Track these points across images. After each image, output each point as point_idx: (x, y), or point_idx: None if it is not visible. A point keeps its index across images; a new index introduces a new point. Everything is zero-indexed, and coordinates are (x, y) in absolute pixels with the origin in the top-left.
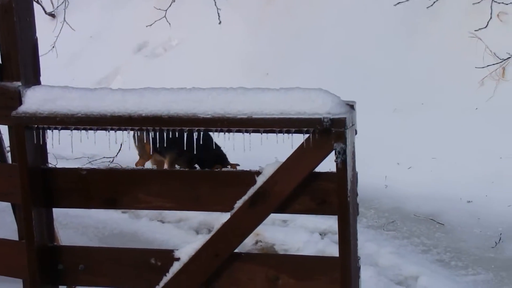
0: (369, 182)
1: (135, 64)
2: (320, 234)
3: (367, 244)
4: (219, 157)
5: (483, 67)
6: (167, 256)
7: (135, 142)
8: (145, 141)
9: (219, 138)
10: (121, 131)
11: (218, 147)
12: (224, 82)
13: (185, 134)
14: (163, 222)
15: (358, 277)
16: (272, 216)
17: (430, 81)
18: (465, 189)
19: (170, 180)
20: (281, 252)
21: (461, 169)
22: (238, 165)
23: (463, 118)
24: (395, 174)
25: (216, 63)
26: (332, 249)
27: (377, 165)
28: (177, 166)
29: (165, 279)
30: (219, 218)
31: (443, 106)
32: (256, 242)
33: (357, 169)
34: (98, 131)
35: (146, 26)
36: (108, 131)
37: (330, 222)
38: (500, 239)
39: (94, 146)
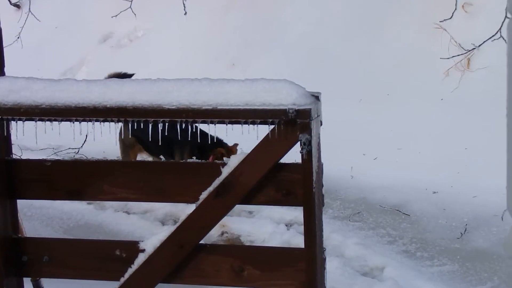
0: (335, 173)
1: (100, 55)
2: (286, 225)
3: (333, 235)
4: (218, 142)
5: (448, 58)
6: (132, 248)
7: (121, 145)
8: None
9: (183, 128)
10: (85, 122)
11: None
12: (189, 72)
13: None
14: (128, 213)
15: (324, 268)
16: (238, 207)
17: (396, 72)
18: (431, 179)
19: (135, 171)
20: (247, 243)
21: (427, 160)
22: (237, 144)
23: (428, 109)
24: (361, 165)
25: (182, 53)
26: (298, 240)
27: (343, 156)
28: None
29: (130, 271)
30: (185, 210)
31: (409, 97)
32: (222, 234)
33: (322, 160)
34: (62, 122)
35: (112, 17)
36: (73, 122)
37: (296, 213)
38: (465, 230)
39: (60, 137)
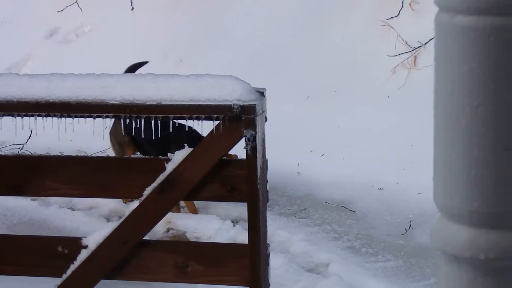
0: (282, 170)
1: (46, 51)
2: (232, 222)
3: (279, 231)
4: None
5: (395, 56)
6: (75, 244)
7: (114, 146)
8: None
9: (179, 129)
10: (28, 117)
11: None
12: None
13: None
14: (73, 209)
15: (268, 264)
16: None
17: (343, 69)
18: (377, 176)
19: (78, 167)
20: (193, 240)
21: (373, 157)
22: (236, 155)
23: (375, 106)
24: (308, 162)
25: (129, 50)
26: (243, 237)
27: (290, 152)
28: None
29: (73, 267)
30: (130, 205)
31: (356, 94)
32: (168, 230)
33: (270, 157)
34: (4, 117)
35: (58, 12)
36: (15, 117)
37: (243, 209)
38: (410, 226)
39: (2, 133)
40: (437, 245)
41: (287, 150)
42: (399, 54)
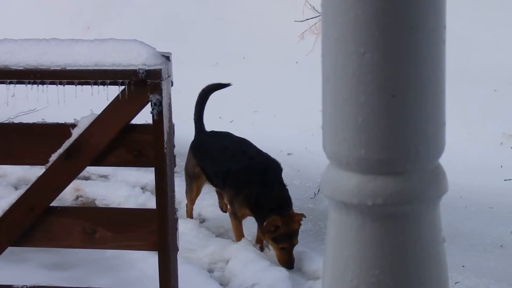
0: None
1: None
2: (142, 188)
3: None
4: (284, 200)
5: (302, 21)
6: None
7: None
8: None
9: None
10: None
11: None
12: (43, 36)
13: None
14: None
15: (176, 228)
16: (94, 170)
17: (252, 36)
18: (286, 141)
19: None
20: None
21: (282, 122)
22: (305, 216)
23: (284, 72)
24: (217, 128)
25: (35, 17)
26: (153, 203)
27: None
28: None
29: None
30: (38, 173)
31: (265, 60)
32: (77, 198)
33: (179, 123)
34: None
35: None
36: None
37: (152, 176)
38: (318, 190)
39: None
40: (326, 192)
41: None
42: (307, 19)
